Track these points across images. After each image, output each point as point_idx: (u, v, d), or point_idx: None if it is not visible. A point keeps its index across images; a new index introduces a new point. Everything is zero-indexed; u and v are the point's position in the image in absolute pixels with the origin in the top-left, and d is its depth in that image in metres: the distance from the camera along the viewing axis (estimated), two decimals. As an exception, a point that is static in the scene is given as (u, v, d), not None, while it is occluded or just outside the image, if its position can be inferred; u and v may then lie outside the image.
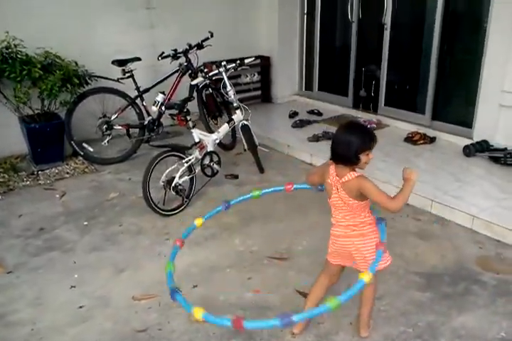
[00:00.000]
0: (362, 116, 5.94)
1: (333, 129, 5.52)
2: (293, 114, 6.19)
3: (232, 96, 4.45)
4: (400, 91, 5.72)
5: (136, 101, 5.06)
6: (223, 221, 3.92)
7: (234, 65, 4.41)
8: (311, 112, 6.26)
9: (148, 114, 5.14)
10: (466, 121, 4.99)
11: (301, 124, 5.81)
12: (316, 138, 5.31)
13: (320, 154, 4.97)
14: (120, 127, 4.99)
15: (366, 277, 2.05)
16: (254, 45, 6.55)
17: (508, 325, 2.65)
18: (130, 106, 5.04)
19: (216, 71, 4.35)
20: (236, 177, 4.61)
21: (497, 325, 2.67)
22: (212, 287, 3.11)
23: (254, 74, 6.56)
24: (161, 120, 5.17)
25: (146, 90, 5.06)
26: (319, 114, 6.21)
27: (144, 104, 5.10)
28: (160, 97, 4.99)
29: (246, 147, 4.69)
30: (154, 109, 5.03)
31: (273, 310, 2.86)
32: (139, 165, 5.08)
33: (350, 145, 2.23)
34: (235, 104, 4.49)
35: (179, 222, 3.93)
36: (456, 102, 5.25)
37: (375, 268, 2.15)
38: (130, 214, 4.09)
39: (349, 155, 2.24)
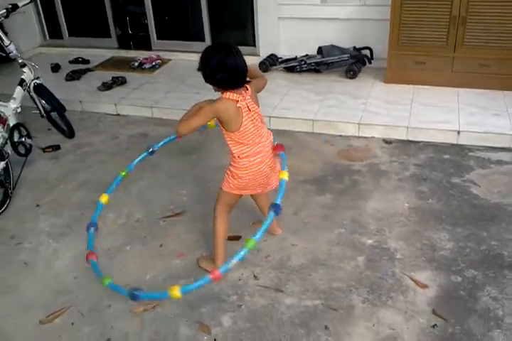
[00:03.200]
0: (136, 55, 5.47)
1: (116, 74, 5.00)
2: (55, 67, 5.28)
3: (14, 51, 3.46)
4: (173, 22, 5.44)
5: None
6: (73, 201, 3.24)
7: (4, 11, 3.37)
8: (76, 61, 5.47)
9: None
10: (247, 40, 5.14)
11: (76, 76, 5.03)
12: (108, 86, 4.70)
13: (125, 101, 4.47)
14: None
15: (286, 175, 2.21)
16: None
17: (404, 197, 3.06)
18: None
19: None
20: (57, 147, 3.78)
21: (397, 200, 3.03)
22: (127, 271, 2.60)
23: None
24: None
25: None
26: (85, 61, 5.46)
27: None
28: None
29: (43, 111, 3.83)
30: None
31: (213, 264, 2.61)
32: None
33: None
34: (20, 61, 3.51)
35: (16, 219, 3.08)
36: (234, 24, 5.31)
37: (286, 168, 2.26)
38: None
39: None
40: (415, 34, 4.01)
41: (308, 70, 4.67)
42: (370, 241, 2.70)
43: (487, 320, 2.17)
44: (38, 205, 3.23)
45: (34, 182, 3.48)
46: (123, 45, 5.68)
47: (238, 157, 2.29)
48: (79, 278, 2.58)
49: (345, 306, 2.30)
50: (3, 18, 3.39)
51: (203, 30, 5.21)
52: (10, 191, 3.17)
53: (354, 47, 4.57)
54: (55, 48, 5.78)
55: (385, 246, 2.65)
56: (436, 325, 2.17)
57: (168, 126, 4.22)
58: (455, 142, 3.58)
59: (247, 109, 2.21)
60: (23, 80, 3.52)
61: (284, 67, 4.76)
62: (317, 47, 4.64)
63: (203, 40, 5.27)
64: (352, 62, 4.48)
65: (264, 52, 4.97)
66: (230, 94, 2.18)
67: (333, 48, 4.51)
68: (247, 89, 2.24)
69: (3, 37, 3.40)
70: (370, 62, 4.52)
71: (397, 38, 4.06)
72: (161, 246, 2.78)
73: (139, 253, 2.74)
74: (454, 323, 2.17)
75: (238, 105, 2.18)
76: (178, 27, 5.46)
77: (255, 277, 2.50)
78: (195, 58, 5.28)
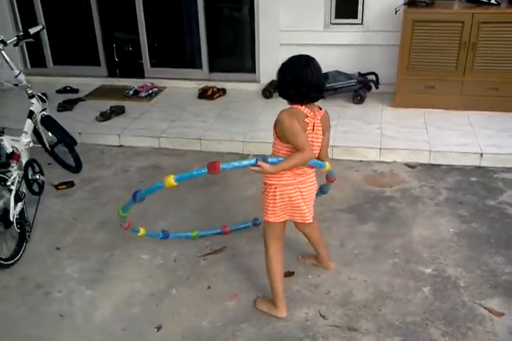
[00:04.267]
0: (127, 83, 5.27)
1: (111, 103, 4.78)
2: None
3: (24, 82, 3.22)
4: (168, 49, 5.30)
5: None
6: (97, 242, 3.00)
7: (15, 38, 3.14)
8: (64, 90, 5.18)
9: None
10: (246, 66, 5.10)
11: (69, 106, 4.77)
12: (107, 116, 4.47)
13: (128, 132, 4.27)
14: None
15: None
16: None
17: (446, 222, 3.03)
18: None
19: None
20: (72, 184, 3.51)
21: (440, 225, 3.00)
22: (180, 318, 2.41)
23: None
24: None
25: None
26: (74, 90, 5.20)
27: None
28: None
29: (49, 145, 3.58)
30: None
31: (272, 304, 2.45)
32: None
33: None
34: (29, 92, 3.28)
35: (37, 266, 2.81)
36: (234, 50, 5.25)
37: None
38: None
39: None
40: (425, 59, 4.10)
41: (313, 96, 4.65)
42: (428, 270, 2.63)
43: None
44: (58, 248, 2.96)
45: (48, 223, 3.20)
46: (112, 73, 5.48)
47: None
48: (129, 330, 2.35)
49: (426, 341, 2.22)
50: (13, 46, 3.16)
51: (200, 57, 5.10)
52: (27, 234, 2.89)
53: (359, 73, 4.60)
54: (39, 77, 5.42)
55: (445, 275, 2.59)
56: (526, 355, 2.12)
57: (177, 156, 4.06)
58: (478, 164, 3.62)
59: (311, 128, 2.12)
60: (31, 112, 3.27)
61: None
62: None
63: (199, 67, 5.16)
64: (359, 88, 4.50)
65: (264, 79, 4.90)
66: (302, 109, 2.10)
67: (339, 74, 4.52)
68: (321, 110, 2.17)
69: (13, 66, 3.17)
70: (377, 87, 4.55)
71: (406, 62, 4.13)
72: (209, 287, 2.59)
73: (188, 297, 2.54)
74: (543, 353, 2.13)
75: (306, 120, 2.09)
76: (173, 54, 5.34)
77: (323, 316, 2.37)
78: (191, 85, 5.28)
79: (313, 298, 2.48)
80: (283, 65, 2.16)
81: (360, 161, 3.81)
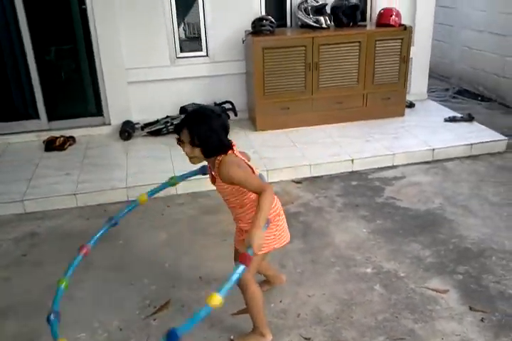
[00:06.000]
0: None
1: None
2: None
3: None
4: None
5: None
6: (10, 335, 2.42)
7: None
8: None
9: None
10: (91, 110, 4.76)
11: None
12: None
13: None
14: None
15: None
16: None
17: (356, 224, 3.29)
18: None
19: None
20: None
21: (353, 228, 3.25)
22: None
23: None
24: None
25: None
26: None
27: None
28: None
29: None
30: None
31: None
32: None
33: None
34: None
35: None
36: (74, 94, 4.81)
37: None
38: None
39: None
40: (278, 83, 4.42)
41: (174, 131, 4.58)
42: (369, 270, 2.83)
43: (508, 299, 2.54)
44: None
45: None
46: None
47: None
48: None
49: (406, 332, 2.37)
50: None
51: (35, 106, 4.55)
52: None
53: (215, 103, 4.70)
54: None
55: (384, 270, 2.82)
56: (483, 318, 2.44)
57: (53, 218, 3.55)
58: (351, 170, 4.03)
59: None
60: None
61: (148, 132, 4.55)
62: (175, 107, 4.63)
63: (36, 117, 4.59)
64: (218, 117, 4.58)
65: (115, 120, 4.64)
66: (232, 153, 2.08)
67: (196, 106, 4.55)
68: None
69: None
70: (236, 115, 4.71)
71: (262, 88, 4.40)
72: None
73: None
74: (492, 312, 2.47)
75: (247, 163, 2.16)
76: (1, 107, 4.64)
77: (308, 339, 2.35)
78: (31, 138, 4.74)
79: (288, 324, 2.45)
80: (194, 122, 1.99)
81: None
